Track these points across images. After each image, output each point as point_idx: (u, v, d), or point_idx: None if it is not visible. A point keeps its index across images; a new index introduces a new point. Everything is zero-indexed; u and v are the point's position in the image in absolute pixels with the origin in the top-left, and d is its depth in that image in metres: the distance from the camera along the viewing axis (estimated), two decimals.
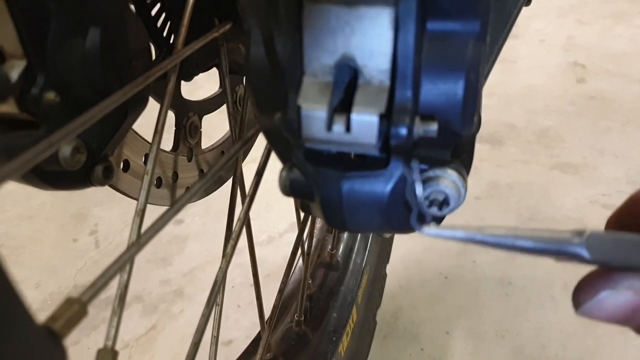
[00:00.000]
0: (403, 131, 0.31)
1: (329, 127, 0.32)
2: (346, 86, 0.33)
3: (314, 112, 0.32)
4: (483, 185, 1.35)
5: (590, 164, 1.45)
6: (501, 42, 0.43)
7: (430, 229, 0.27)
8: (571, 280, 1.16)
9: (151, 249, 1.28)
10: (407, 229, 0.37)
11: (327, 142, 0.33)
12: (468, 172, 0.35)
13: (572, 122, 1.64)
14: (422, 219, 0.30)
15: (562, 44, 2.01)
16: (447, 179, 0.33)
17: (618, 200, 1.44)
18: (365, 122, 0.31)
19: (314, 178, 0.35)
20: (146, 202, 0.40)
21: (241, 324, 1.10)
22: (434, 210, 0.34)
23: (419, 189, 0.30)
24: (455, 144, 0.34)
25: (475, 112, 0.32)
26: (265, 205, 1.36)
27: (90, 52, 0.40)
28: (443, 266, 1.20)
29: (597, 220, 1.27)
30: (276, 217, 1.34)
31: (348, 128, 0.32)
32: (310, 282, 0.78)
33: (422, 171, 0.34)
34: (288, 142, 0.35)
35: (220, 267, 0.45)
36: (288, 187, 0.36)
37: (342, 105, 0.33)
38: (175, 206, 0.35)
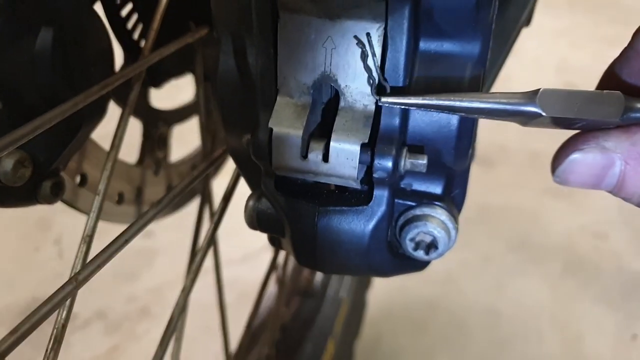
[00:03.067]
0: (388, 164, 0.27)
1: (304, 155, 0.28)
2: (325, 108, 0.29)
3: (288, 136, 0.28)
4: (472, 209, 1.33)
5: (581, 190, 1.43)
6: (499, 65, 0.39)
7: (388, 98, 0.26)
8: (559, 314, 1.14)
9: (118, 261, 1.21)
10: (390, 272, 0.32)
11: (301, 171, 0.29)
12: (460, 210, 0.31)
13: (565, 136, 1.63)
14: (382, 90, 0.27)
15: (555, 65, 2.02)
16: (436, 219, 0.30)
17: (608, 228, 1.42)
18: (345, 152, 0.27)
19: (286, 211, 0.30)
20: (95, 227, 0.36)
21: (210, 348, 1.04)
22: (420, 254, 0.30)
23: (371, 61, 0.27)
24: (446, 179, 0.30)
25: (470, 144, 0.29)
26: (241, 220, 1.30)
27: (40, 55, 0.36)
28: (428, 293, 1.17)
29: (587, 249, 1.26)
30: (253, 233, 1.29)
31: (326, 157, 0.28)
32: (284, 309, 0.74)
33: (408, 208, 0.30)
34: (258, 168, 0.31)
35: (182, 290, 0.40)
36: (255, 220, 0.32)
37: (320, 131, 0.29)
38: (122, 237, 0.30)
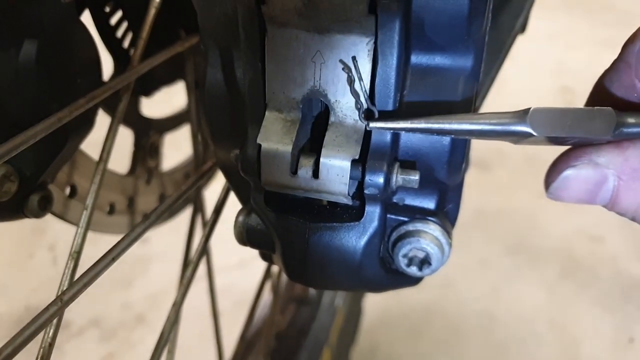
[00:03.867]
0: (379, 180, 0.26)
1: (294, 171, 0.27)
2: (315, 122, 0.29)
3: (277, 152, 0.27)
4: (469, 212, 1.32)
5: None
6: (494, 75, 0.39)
7: (377, 123, 0.25)
8: (556, 317, 1.13)
9: (112, 268, 1.20)
10: (382, 288, 0.32)
11: (291, 187, 0.28)
12: (454, 224, 0.31)
13: (560, 148, 1.63)
14: (370, 115, 0.26)
15: (551, 68, 2.02)
16: (429, 235, 0.29)
17: (605, 232, 1.42)
18: (335, 168, 0.26)
19: (276, 227, 0.30)
20: (82, 243, 0.35)
21: (204, 356, 1.03)
22: (413, 270, 0.29)
23: (363, 84, 0.26)
24: (439, 194, 0.29)
25: (463, 159, 0.28)
26: None
27: (23, 68, 0.35)
28: (425, 298, 1.16)
29: (583, 252, 1.25)
30: None
31: (316, 173, 0.27)
32: (280, 317, 0.73)
33: (401, 224, 0.29)
34: (248, 183, 0.30)
35: (173, 304, 0.39)
36: (244, 236, 0.31)
37: (310, 146, 0.28)
38: (109, 255, 0.29)
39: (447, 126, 0.24)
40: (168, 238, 1.30)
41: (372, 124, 0.25)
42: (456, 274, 1.20)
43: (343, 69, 0.25)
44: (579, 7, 2.36)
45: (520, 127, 0.24)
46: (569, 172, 0.26)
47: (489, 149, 1.63)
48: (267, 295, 0.73)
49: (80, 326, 1.12)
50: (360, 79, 0.25)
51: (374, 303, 1.09)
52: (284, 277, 0.81)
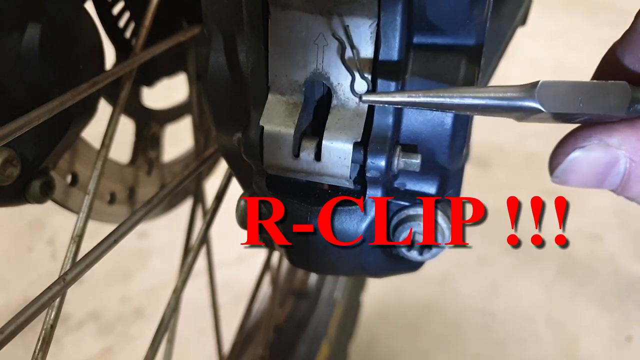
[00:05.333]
0: (381, 163, 0.26)
1: (296, 153, 0.27)
2: (317, 105, 0.29)
3: (279, 135, 0.27)
4: (468, 210, 1.31)
5: (576, 191, 1.43)
6: (494, 65, 0.39)
7: (370, 96, 0.23)
8: (555, 315, 1.13)
9: (111, 261, 1.20)
10: (383, 273, 0.32)
11: (293, 170, 0.28)
12: None
13: (564, 128, 1.63)
14: (365, 89, 0.25)
15: (552, 66, 2.02)
16: None
17: (604, 231, 1.42)
18: (337, 151, 0.27)
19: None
20: (84, 227, 0.35)
21: (203, 349, 1.03)
22: (414, 254, 0.29)
23: (355, 55, 0.25)
24: (440, 178, 0.30)
25: (464, 144, 0.28)
26: (235, 220, 1.29)
27: (27, 51, 0.35)
28: (423, 294, 1.16)
29: (582, 251, 1.25)
30: None
31: (318, 156, 0.27)
32: (279, 309, 0.73)
33: (402, 208, 0.30)
34: (250, 167, 0.30)
35: (173, 290, 0.39)
36: (246, 220, 0.31)
37: (312, 129, 0.29)
38: (111, 237, 0.29)
39: (448, 100, 0.22)
40: (167, 232, 1.30)
41: (365, 97, 0.23)
42: (455, 271, 1.21)
43: (334, 34, 0.24)
44: (579, 6, 2.36)
45: (528, 102, 0.22)
46: (577, 154, 0.23)
47: (488, 147, 1.63)
48: (265, 288, 0.73)
49: (79, 320, 1.12)
50: (352, 46, 0.24)
51: (372, 298, 1.09)
52: (283, 269, 0.81)
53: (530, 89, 0.22)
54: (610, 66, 0.25)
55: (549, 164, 0.25)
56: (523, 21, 0.46)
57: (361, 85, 0.25)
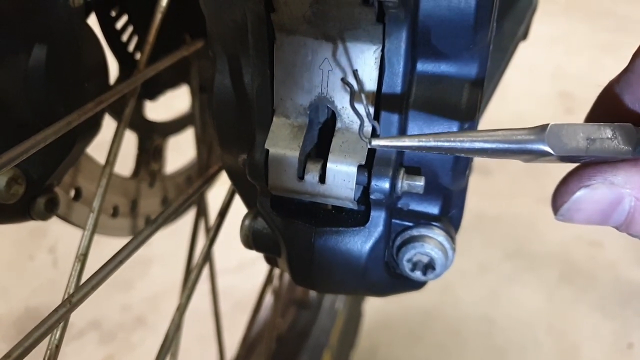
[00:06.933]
0: (385, 185, 0.27)
1: (301, 176, 0.28)
2: (322, 128, 0.29)
3: (284, 157, 0.27)
4: (469, 217, 1.31)
5: None
6: (496, 81, 0.39)
7: (380, 140, 0.23)
8: (555, 322, 1.13)
9: None
10: (387, 292, 0.32)
11: (297, 192, 0.28)
12: (457, 229, 0.31)
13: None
14: (373, 132, 0.25)
15: (551, 73, 2.03)
16: (434, 240, 0.29)
17: (604, 237, 1.41)
18: (342, 173, 0.27)
19: (282, 231, 0.30)
20: (89, 245, 0.35)
21: (204, 358, 1.03)
22: (417, 274, 0.29)
23: (364, 99, 0.25)
24: (444, 199, 0.30)
25: (467, 165, 0.28)
26: (235, 229, 1.28)
27: (33, 71, 0.35)
28: (424, 302, 1.16)
29: (582, 257, 1.26)
30: None
31: (322, 178, 0.27)
32: (280, 320, 0.73)
33: (405, 229, 0.30)
34: (254, 187, 0.31)
35: (172, 319, 0.39)
36: (251, 239, 0.32)
37: (317, 151, 0.29)
38: (117, 257, 0.30)
39: (458, 145, 0.22)
40: (168, 240, 1.31)
41: (375, 142, 0.23)
42: (456, 279, 1.21)
43: (343, 79, 0.25)
44: (578, 12, 2.37)
45: (537, 145, 0.22)
46: (582, 193, 0.24)
47: None
48: (267, 298, 0.73)
49: (80, 328, 1.12)
50: (363, 93, 0.24)
51: (373, 306, 1.09)
52: (285, 280, 0.81)
53: (540, 132, 0.22)
54: (609, 105, 0.26)
55: (552, 203, 0.26)
56: (524, 36, 0.46)
57: (369, 128, 0.26)
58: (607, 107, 0.26)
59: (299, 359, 0.69)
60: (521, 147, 0.22)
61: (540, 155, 0.22)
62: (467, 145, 0.22)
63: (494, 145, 0.22)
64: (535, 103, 1.86)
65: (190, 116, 0.66)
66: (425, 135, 0.23)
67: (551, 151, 0.22)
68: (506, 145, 0.22)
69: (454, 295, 1.18)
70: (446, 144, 0.22)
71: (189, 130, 0.65)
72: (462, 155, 0.23)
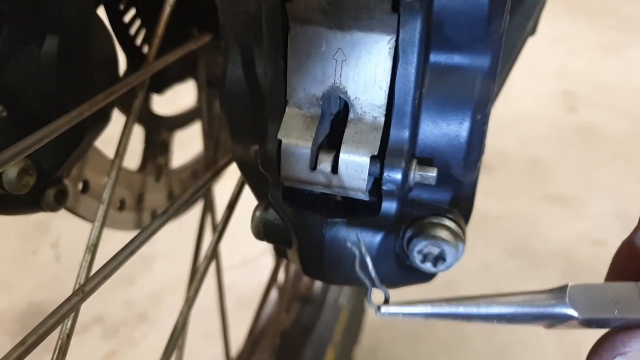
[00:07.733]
0: (397, 176, 0.27)
1: (313, 166, 0.28)
2: (334, 119, 0.29)
3: (297, 148, 0.27)
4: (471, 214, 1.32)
5: (579, 196, 1.44)
6: (505, 75, 0.39)
7: (390, 307, 0.22)
8: None
9: None
10: (396, 284, 0.32)
11: (309, 182, 0.28)
12: (467, 222, 0.31)
13: (562, 152, 1.63)
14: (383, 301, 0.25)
15: (553, 72, 2.03)
16: (444, 231, 0.29)
17: (606, 235, 1.41)
18: (354, 164, 0.27)
19: (293, 222, 0.30)
20: (99, 236, 0.35)
21: (208, 353, 1.03)
22: (428, 266, 0.30)
23: (370, 264, 0.24)
24: (455, 191, 0.30)
25: (479, 157, 0.28)
26: (240, 224, 1.29)
27: (45, 63, 0.35)
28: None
29: (585, 256, 1.26)
30: (252, 238, 1.27)
31: (335, 169, 0.27)
32: (285, 315, 0.73)
33: (416, 220, 0.30)
34: (265, 178, 0.31)
35: (180, 312, 0.40)
36: (262, 230, 0.32)
37: (329, 142, 0.29)
38: (128, 247, 0.30)
39: (474, 310, 0.21)
40: (171, 236, 1.31)
41: (385, 309, 0.22)
42: (458, 276, 1.21)
43: (350, 247, 0.23)
44: (581, 11, 2.37)
45: (560, 308, 0.21)
46: None
47: (491, 152, 1.64)
48: (272, 294, 0.73)
49: (84, 323, 1.12)
50: (367, 261, 0.22)
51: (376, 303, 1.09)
52: (290, 275, 0.81)
53: (560, 293, 0.21)
54: (628, 262, 0.25)
55: None
56: (533, 31, 0.46)
57: (379, 295, 0.24)
58: (626, 263, 0.25)
59: (303, 354, 0.69)
60: (542, 312, 0.21)
61: (564, 319, 0.21)
62: (483, 310, 0.21)
63: (512, 310, 0.21)
64: (538, 102, 1.86)
65: (197, 110, 0.66)
66: (438, 300, 0.22)
67: (575, 314, 0.21)
68: (526, 310, 0.21)
69: (457, 293, 1.18)
70: (461, 310, 0.21)
71: (193, 126, 0.65)
72: (479, 322, 0.22)
